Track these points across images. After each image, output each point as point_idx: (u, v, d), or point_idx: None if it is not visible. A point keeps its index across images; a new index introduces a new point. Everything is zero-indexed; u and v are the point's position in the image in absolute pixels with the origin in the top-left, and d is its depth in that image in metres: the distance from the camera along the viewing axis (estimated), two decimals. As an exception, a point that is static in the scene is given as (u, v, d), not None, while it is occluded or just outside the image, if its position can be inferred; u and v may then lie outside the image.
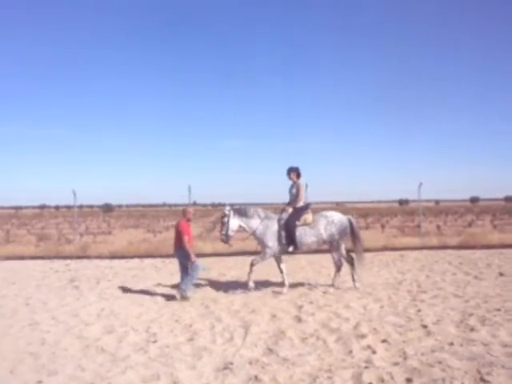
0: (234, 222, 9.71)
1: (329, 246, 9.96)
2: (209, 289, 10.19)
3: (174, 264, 13.83)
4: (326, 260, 13.77)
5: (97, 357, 5.95)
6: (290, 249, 9.58)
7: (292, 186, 10.09)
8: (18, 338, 6.82)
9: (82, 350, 6.20)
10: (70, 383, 5.07)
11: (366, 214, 53.78)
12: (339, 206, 79.74)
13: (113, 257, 16.02)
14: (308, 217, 9.74)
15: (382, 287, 9.84)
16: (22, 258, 16.11)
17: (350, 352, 5.83)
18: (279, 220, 9.76)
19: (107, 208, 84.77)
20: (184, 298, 9.11)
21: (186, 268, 9.43)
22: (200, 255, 15.63)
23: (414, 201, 24.12)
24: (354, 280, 9.83)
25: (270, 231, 9.64)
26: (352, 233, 10.07)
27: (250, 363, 5.55)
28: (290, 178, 10.10)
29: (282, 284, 9.81)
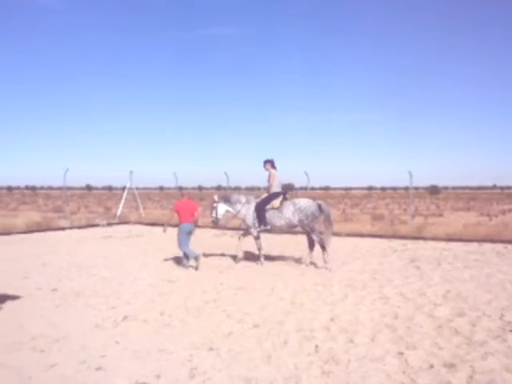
0: (222, 207, 11.68)
1: (303, 229, 11.34)
2: None
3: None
4: None
5: (452, 338, 5.93)
6: (260, 228, 11.35)
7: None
8: (372, 309, 7.32)
9: (435, 329, 6.27)
10: (430, 359, 5.19)
11: None
12: None
13: (449, 239, 15.71)
14: (275, 202, 11.23)
15: None
16: (361, 235, 17.24)
17: None
18: (255, 204, 11.43)
19: (434, 190, 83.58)
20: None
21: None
22: None
23: None
24: (325, 261, 10.95)
25: (249, 213, 11.42)
26: (323, 216, 11.25)
27: None
28: (266, 169, 11.54)
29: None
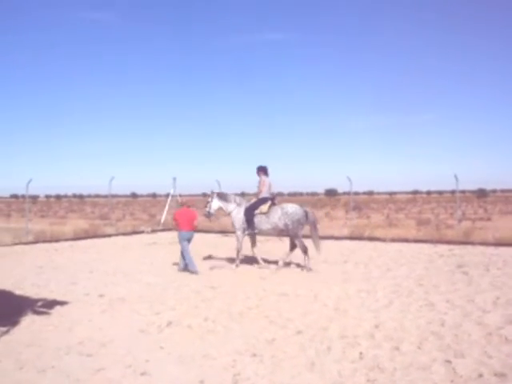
0: (215, 203, 12.19)
1: (287, 234, 11.74)
2: None
3: None
4: None
5: (502, 346, 5.74)
6: (247, 232, 11.83)
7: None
8: (418, 316, 7.16)
9: (484, 337, 6.08)
10: (480, 368, 5.02)
11: None
12: None
13: (498, 244, 15.24)
14: (263, 207, 11.61)
15: None
16: (406, 240, 16.92)
17: None
18: (244, 208, 11.83)
19: (481, 193, 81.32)
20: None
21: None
22: None
23: None
24: (305, 265, 11.37)
25: (239, 216, 11.82)
26: (308, 223, 11.61)
27: None
28: (258, 175, 12.04)
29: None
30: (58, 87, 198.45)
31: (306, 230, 11.98)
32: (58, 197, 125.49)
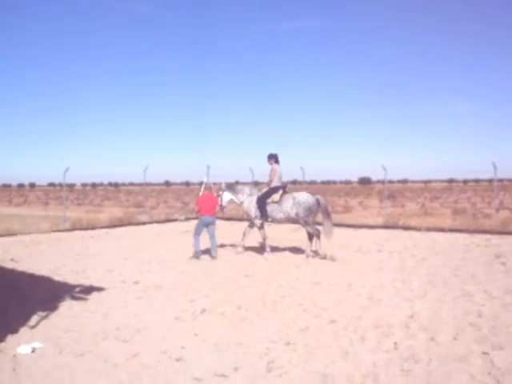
0: (226, 195, 12.27)
1: (298, 223, 11.83)
2: None
3: None
4: None
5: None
6: (261, 220, 11.91)
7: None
8: (454, 307, 7.04)
9: None
10: (518, 361, 4.91)
11: None
12: None
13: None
14: (275, 196, 11.70)
15: None
16: (441, 230, 16.61)
17: None
18: (256, 197, 11.89)
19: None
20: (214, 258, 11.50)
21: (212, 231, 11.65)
22: None
23: None
24: (311, 250, 11.56)
25: (252, 205, 11.90)
26: (320, 210, 11.74)
27: None
28: (269, 163, 12.00)
29: None
30: (95, 77, 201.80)
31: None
32: (94, 185, 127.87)
